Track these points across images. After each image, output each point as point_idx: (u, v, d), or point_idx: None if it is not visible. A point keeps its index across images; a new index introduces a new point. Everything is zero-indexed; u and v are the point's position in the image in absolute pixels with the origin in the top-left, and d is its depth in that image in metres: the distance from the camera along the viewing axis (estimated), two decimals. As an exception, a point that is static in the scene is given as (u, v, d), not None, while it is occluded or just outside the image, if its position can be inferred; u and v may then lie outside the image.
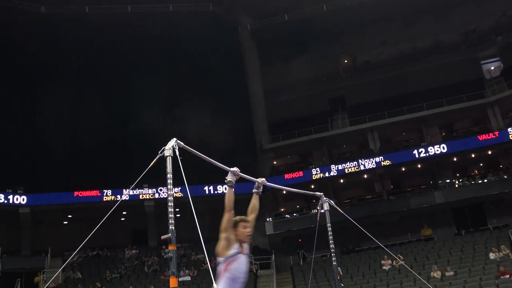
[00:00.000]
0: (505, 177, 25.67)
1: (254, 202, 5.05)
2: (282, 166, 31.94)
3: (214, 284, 4.10)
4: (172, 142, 4.47)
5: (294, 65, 33.55)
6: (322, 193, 7.53)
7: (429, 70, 31.94)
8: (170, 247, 4.02)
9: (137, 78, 29.84)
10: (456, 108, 28.34)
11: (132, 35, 30.05)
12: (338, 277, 7.27)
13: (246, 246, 4.59)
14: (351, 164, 27.47)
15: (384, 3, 30.53)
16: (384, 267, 21.50)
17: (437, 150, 26.44)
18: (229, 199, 4.55)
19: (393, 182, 29.34)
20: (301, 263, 24.69)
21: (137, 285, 22.94)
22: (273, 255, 25.43)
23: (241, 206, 5.12)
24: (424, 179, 29.67)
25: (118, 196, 26.51)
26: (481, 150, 27.04)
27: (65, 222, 28.81)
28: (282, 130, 30.89)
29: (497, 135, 26.00)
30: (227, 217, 4.49)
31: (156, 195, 27.44)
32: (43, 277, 23.99)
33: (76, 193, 27.16)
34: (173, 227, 4.09)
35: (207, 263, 22.44)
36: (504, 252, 20.22)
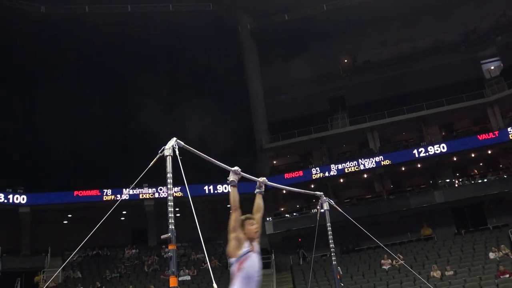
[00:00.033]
0: (505, 176, 25.68)
1: (259, 201, 5.09)
2: (282, 165, 31.95)
3: (214, 284, 4.11)
4: (172, 141, 4.48)
5: (294, 65, 33.55)
6: (322, 193, 7.55)
7: (429, 70, 31.93)
8: (170, 247, 4.02)
9: (137, 78, 29.86)
10: (456, 107, 28.34)
11: (132, 34, 30.05)
12: (338, 277, 7.28)
13: (256, 244, 4.59)
14: (351, 164, 27.48)
15: (384, 3, 30.53)
16: (384, 267, 21.51)
17: (437, 150, 26.45)
18: (234, 199, 4.57)
19: (393, 182, 29.34)
20: (301, 263, 24.71)
21: (137, 284, 22.95)
22: (273, 255, 25.44)
23: (242, 206, 5.12)
24: (424, 178, 29.68)
25: (118, 196, 26.51)
26: (481, 150, 27.05)
27: (65, 222, 28.82)
28: (282, 129, 30.90)
29: (497, 135, 26.01)
30: (235, 216, 4.51)
31: (156, 195, 27.45)
32: (43, 276, 24.01)
33: (76, 193, 27.17)
34: (173, 227, 4.10)
35: (207, 262, 22.48)
36: (503, 252, 20.23)
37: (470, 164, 29.12)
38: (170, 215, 4.15)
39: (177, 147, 4.46)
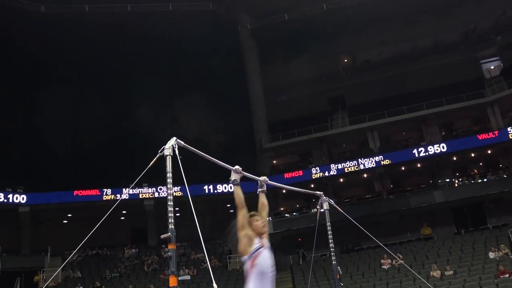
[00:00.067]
0: (505, 176, 25.71)
1: (262, 200, 5.18)
2: (282, 165, 31.96)
3: (214, 284, 4.10)
4: (172, 141, 4.48)
5: (294, 65, 33.56)
6: (321, 192, 7.54)
7: (429, 70, 31.95)
8: (170, 246, 4.02)
9: (137, 78, 29.86)
10: (455, 107, 28.36)
11: (132, 34, 30.04)
12: (338, 276, 7.28)
13: (266, 241, 4.62)
14: (351, 164, 27.48)
15: (384, 3, 30.53)
16: (384, 266, 21.51)
17: (437, 150, 26.46)
18: (239, 197, 4.60)
19: (392, 182, 29.34)
20: (301, 262, 24.71)
21: (136, 284, 22.95)
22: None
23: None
24: (423, 178, 29.69)
25: (118, 195, 26.49)
26: (481, 150, 27.06)
27: (65, 221, 28.81)
28: (282, 129, 30.91)
29: (497, 135, 26.01)
30: (242, 213, 4.53)
31: (156, 194, 27.45)
32: (43, 276, 24.00)
33: (76, 192, 27.16)
34: (172, 226, 4.10)
35: (206, 262, 22.48)
36: (503, 251, 20.23)
37: (470, 164, 29.12)
38: (170, 214, 4.15)
39: (177, 146, 4.46)
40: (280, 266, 25.91)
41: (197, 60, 30.35)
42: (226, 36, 31.63)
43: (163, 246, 21.93)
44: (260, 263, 4.41)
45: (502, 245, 20.70)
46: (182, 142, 4.56)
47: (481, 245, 21.71)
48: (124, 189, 26.83)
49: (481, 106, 28.47)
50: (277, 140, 30.84)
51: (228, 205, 28.48)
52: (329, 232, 7.26)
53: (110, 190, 27.10)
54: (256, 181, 5.57)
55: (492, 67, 33.45)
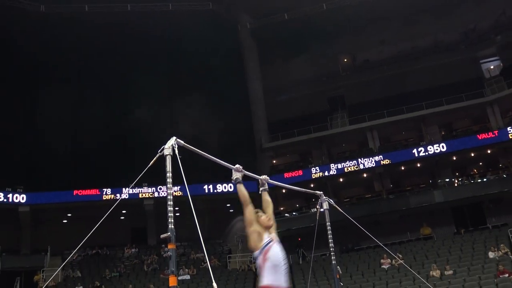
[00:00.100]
0: (505, 176, 25.72)
1: (266, 198, 5.22)
2: (282, 165, 31.96)
3: (214, 284, 4.11)
4: (172, 141, 4.49)
5: (293, 64, 33.56)
6: (321, 192, 7.55)
7: (429, 69, 31.94)
8: (170, 246, 4.03)
9: (137, 78, 29.87)
10: (455, 107, 28.35)
11: (132, 34, 30.05)
12: (338, 276, 7.29)
13: (275, 235, 4.68)
14: (351, 163, 27.48)
15: (384, 2, 30.52)
16: (384, 266, 21.52)
17: (437, 149, 26.45)
18: (244, 194, 4.66)
19: (392, 181, 29.33)
20: (301, 262, 24.71)
21: (136, 284, 22.95)
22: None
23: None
24: (423, 178, 29.69)
25: (118, 195, 26.48)
26: (481, 149, 27.06)
27: (65, 221, 28.82)
28: (282, 129, 30.90)
29: (497, 134, 26.02)
30: (249, 210, 4.59)
31: (156, 194, 27.44)
32: (43, 275, 24.00)
33: (75, 192, 27.16)
34: (172, 226, 4.11)
35: (206, 261, 22.47)
36: (503, 251, 20.25)
37: (470, 164, 29.12)
38: (169, 214, 4.16)
39: (176, 146, 4.47)
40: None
41: (196, 60, 30.36)
42: (225, 36, 31.63)
43: (163, 245, 21.93)
44: (272, 256, 4.46)
45: (501, 245, 20.71)
46: (182, 142, 4.57)
47: (481, 245, 21.72)
48: (124, 189, 26.81)
49: (480, 105, 28.48)
50: (276, 139, 30.84)
51: (228, 205, 28.50)
52: (329, 232, 7.27)
53: (110, 189, 27.11)
54: (256, 180, 5.59)
55: (491, 67, 33.45)
